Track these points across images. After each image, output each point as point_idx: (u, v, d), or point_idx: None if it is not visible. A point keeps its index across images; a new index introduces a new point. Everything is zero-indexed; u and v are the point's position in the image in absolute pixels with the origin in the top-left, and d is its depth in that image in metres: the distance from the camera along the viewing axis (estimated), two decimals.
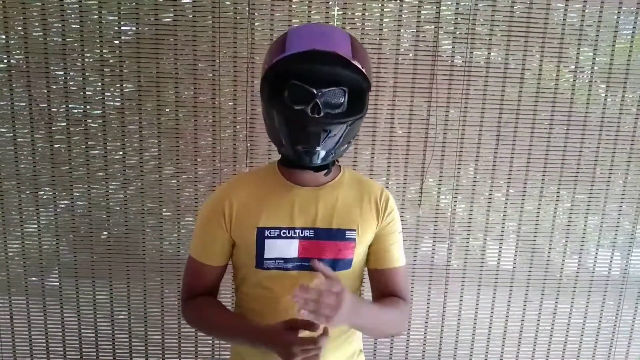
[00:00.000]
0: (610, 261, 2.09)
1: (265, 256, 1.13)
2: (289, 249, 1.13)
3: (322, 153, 1.06)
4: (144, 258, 1.99)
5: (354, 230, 1.15)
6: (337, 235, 1.14)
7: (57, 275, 2.01)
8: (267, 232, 1.12)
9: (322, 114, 1.03)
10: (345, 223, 1.15)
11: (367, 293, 1.29)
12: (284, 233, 1.13)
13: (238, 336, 1.14)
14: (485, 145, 1.95)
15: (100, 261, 1.99)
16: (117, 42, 1.83)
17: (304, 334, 1.00)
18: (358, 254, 1.17)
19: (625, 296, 2.12)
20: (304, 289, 0.93)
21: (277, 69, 1.06)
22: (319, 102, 1.03)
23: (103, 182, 1.93)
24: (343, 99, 1.08)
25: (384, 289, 1.22)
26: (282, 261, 1.13)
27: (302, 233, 1.13)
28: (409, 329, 2.09)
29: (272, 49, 1.10)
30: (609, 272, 2.10)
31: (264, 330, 1.06)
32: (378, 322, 1.13)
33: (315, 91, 1.04)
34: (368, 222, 1.17)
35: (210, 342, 2.07)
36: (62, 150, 1.90)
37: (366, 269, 1.25)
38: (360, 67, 1.04)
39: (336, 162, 1.21)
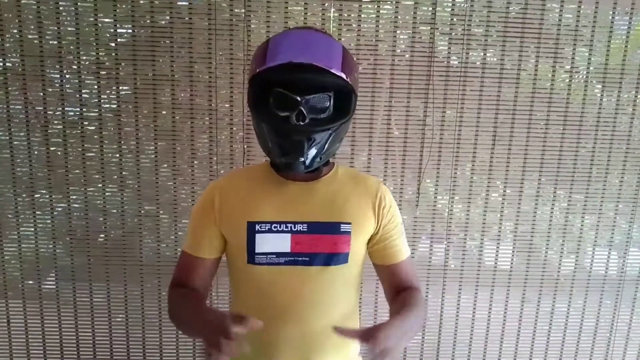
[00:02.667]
0: (607, 260, 2.09)
1: (257, 251, 1.12)
2: (281, 243, 1.12)
3: (308, 160, 1.07)
4: (141, 260, 1.98)
5: (349, 223, 1.14)
6: (332, 228, 1.13)
7: (54, 278, 2.01)
8: (257, 227, 1.11)
9: (307, 121, 1.04)
10: (340, 216, 1.14)
11: (367, 288, 1.29)
12: (275, 227, 1.12)
13: (187, 320, 1.07)
14: (482, 146, 1.95)
15: (97, 264, 1.98)
16: (113, 44, 1.82)
17: None
18: (354, 248, 1.15)
19: (622, 295, 2.12)
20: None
21: (260, 78, 1.06)
22: (303, 110, 1.04)
23: (100, 185, 1.93)
24: (328, 103, 1.08)
25: (396, 282, 1.22)
26: (274, 256, 1.12)
27: (294, 227, 1.12)
28: None
29: (255, 57, 1.10)
30: (606, 272, 2.10)
31: (205, 311, 1.01)
32: (418, 324, 1.11)
33: (299, 99, 1.04)
34: (364, 217, 1.16)
35: None
36: (59, 153, 1.89)
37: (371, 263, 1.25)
38: (339, 73, 1.04)
39: (329, 161, 1.21)
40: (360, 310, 1.28)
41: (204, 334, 0.92)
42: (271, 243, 1.12)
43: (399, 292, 1.22)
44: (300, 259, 1.12)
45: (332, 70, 1.03)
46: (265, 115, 1.07)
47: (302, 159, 1.06)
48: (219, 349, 0.87)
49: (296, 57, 1.02)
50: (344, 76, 1.05)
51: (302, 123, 1.04)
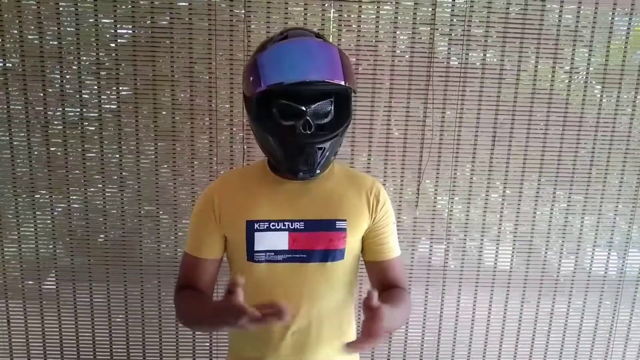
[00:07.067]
0: (607, 261, 2.09)
1: (256, 249, 1.15)
2: (279, 241, 1.15)
3: (319, 168, 1.12)
4: (141, 261, 1.99)
5: (344, 220, 1.17)
6: (327, 225, 1.16)
7: (54, 279, 2.01)
8: (256, 225, 1.15)
9: (312, 129, 1.07)
10: (335, 213, 1.17)
11: (366, 288, 1.30)
12: (273, 225, 1.15)
13: (203, 318, 1.12)
14: (482, 146, 1.95)
15: (97, 264, 1.99)
16: (113, 45, 1.82)
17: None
18: (350, 244, 1.18)
19: (621, 296, 2.13)
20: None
21: (263, 93, 1.07)
22: (309, 119, 1.07)
23: (100, 185, 1.93)
24: (330, 108, 1.12)
25: (384, 280, 1.25)
26: (273, 253, 1.15)
27: (291, 225, 1.16)
28: (407, 330, 2.10)
29: (252, 71, 1.10)
30: (605, 272, 2.11)
31: (213, 306, 1.06)
32: (396, 321, 1.14)
33: (304, 108, 1.07)
34: (359, 214, 1.19)
35: (208, 344, 2.07)
36: (59, 153, 1.89)
37: (362, 260, 1.27)
38: (344, 83, 1.07)
39: None
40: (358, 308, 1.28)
41: (227, 324, 0.96)
42: (269, 241, 1.15)
43: (386, 289, 1.23)
44: (298, 256, 1.15)
45: (337, 82, 1.06)
46: (270, 126, 1.10)
47: (318, 171, 1.12)
48: (246, 326, 0.90)
49: (309, 75, 1.04)
50: (348, 84, 1.08)
51: (309, 132, 1.07)
